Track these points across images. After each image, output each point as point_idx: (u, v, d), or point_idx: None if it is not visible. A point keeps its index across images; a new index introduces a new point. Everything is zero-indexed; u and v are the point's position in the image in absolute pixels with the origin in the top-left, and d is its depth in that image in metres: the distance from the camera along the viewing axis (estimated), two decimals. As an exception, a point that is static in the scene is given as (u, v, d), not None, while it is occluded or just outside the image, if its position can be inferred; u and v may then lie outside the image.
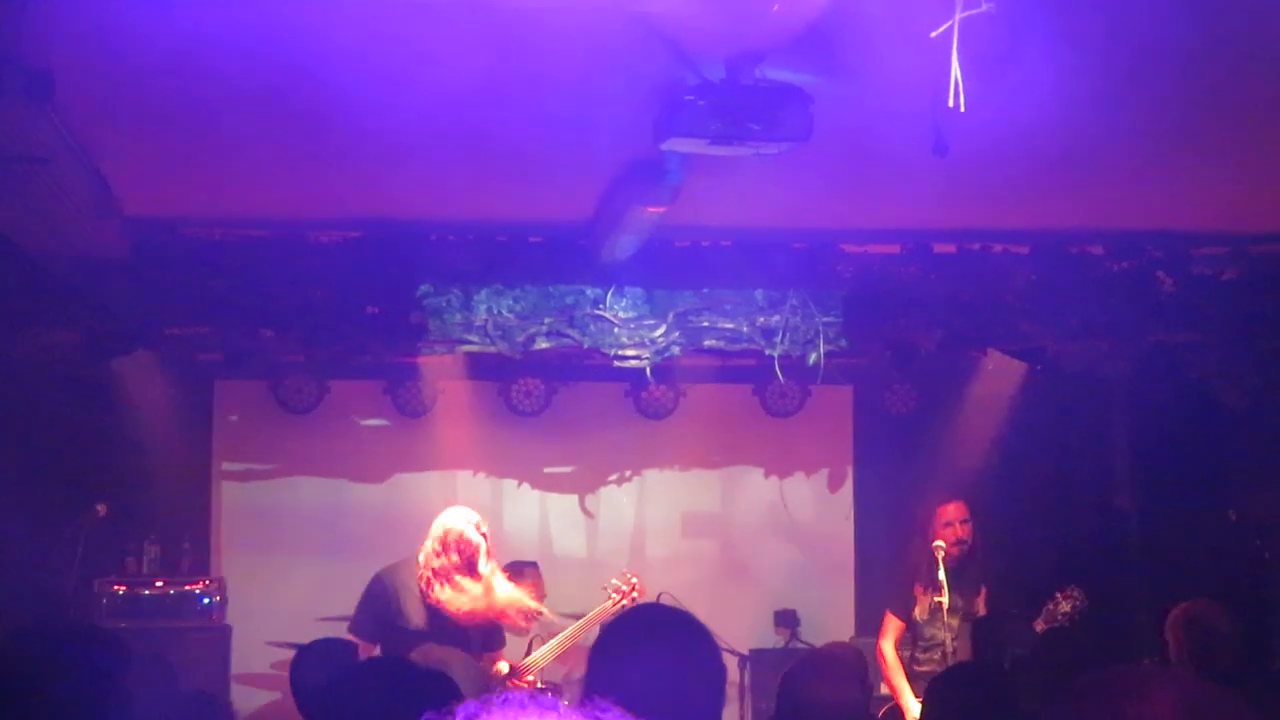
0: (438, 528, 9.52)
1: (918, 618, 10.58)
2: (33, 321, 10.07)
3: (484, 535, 9.51)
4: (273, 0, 5.85)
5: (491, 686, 9.20)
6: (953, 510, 10.54)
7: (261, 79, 6.63)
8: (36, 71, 6.21)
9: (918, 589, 10.60)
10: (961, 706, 6.29)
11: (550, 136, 7.72)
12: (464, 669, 8.92)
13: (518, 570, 11.48)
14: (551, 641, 10.48)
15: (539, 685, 10.07)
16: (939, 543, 10.28)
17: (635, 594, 10.59)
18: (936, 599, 10.16)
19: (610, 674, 4.10)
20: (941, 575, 10.11)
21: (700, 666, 4.13)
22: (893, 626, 10.68)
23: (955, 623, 10.14)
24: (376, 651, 9.29)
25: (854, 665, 7.26)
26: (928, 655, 10.34)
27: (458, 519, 9.52)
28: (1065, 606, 10.37)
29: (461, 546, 9.39)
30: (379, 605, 9.48)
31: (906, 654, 10.55)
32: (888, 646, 10.57)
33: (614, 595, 10.65)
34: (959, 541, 10.38)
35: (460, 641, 9.40)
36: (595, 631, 10.42)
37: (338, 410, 12.50)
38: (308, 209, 9.55)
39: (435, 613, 9.36)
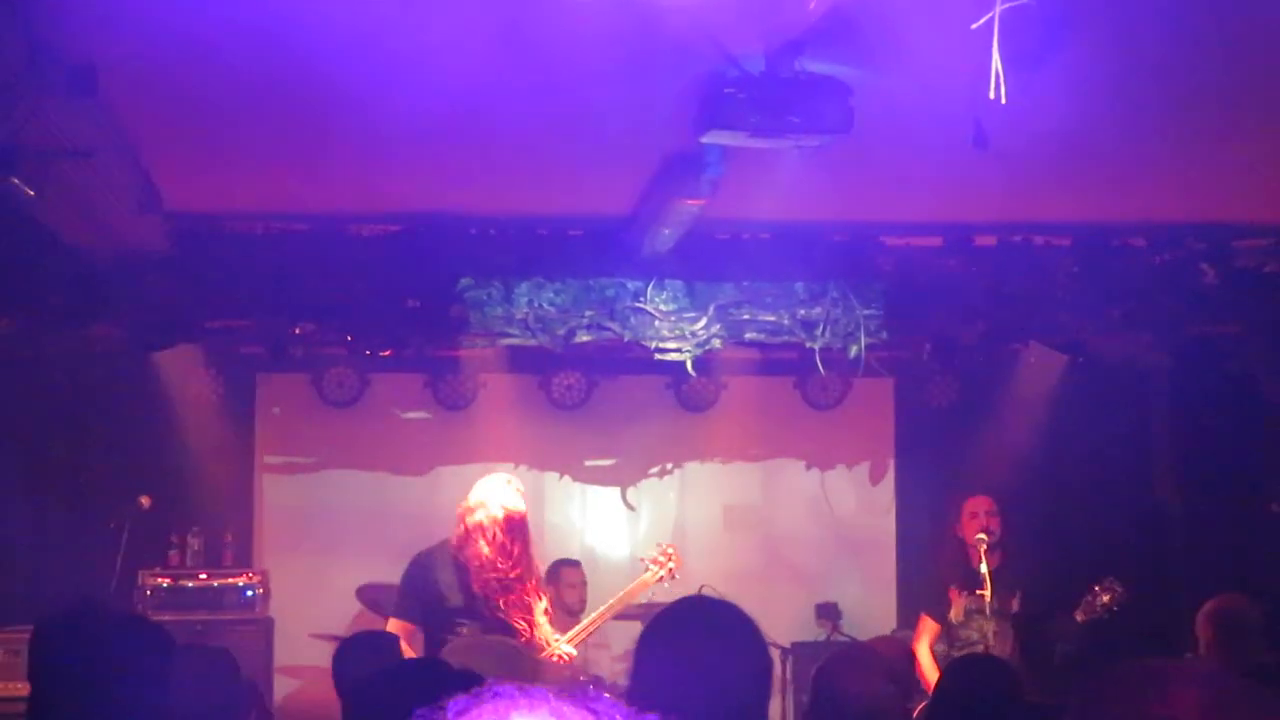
0: (474, 498, 9.32)
1: (953, 619, 10.56)
2: (76, 316, 10.13)
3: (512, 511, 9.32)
4: (314, -5, 5.88)
5: (526, 668, 9.09)
6: (979, 503, 10.52)
7: (303, 74, 6.65)
8: (80, 66, 6.25)
9: (952, 591, 10.59)
10: (966, 697, 6.30)
11: (590, 130, 7.73)
12: (499, 652, 8.79)
13: (554, 570, 11.48)
14: (592, 614, 10.39)
15: (581, 678, 10.00)
16: (980, 535, 10.27)
17: (673, 564, 10.48)
18: (979, 592, 10.15)
19: (657, 665, 4.11)
20: (984, 569, 10.09)
21: (747, 657, 4.13)
22: (928, 629, 10.67)
23: (993, 623, 10.12)
24: (419, 633, 9.23)
25: (894, 661, 7.26)
26: (963, 655, 10.30)
27: (492, 492, 9.31)
28: (1104, 598, 10.34)
29: (496, 514, 9.21)
30: (417, 585, 9.38)
31: (941, 650, 10.54)
32: (923, 650, 10.54)
33: (652, 567, 10.53)
34: (987, 533, 10.35)
35: (497, 615, 9.29)
36: (635, 612, 10.42)
37: (379, 403, 12.53)
38: (348, 203, 9.58)
39: (468, 587, 9.25)
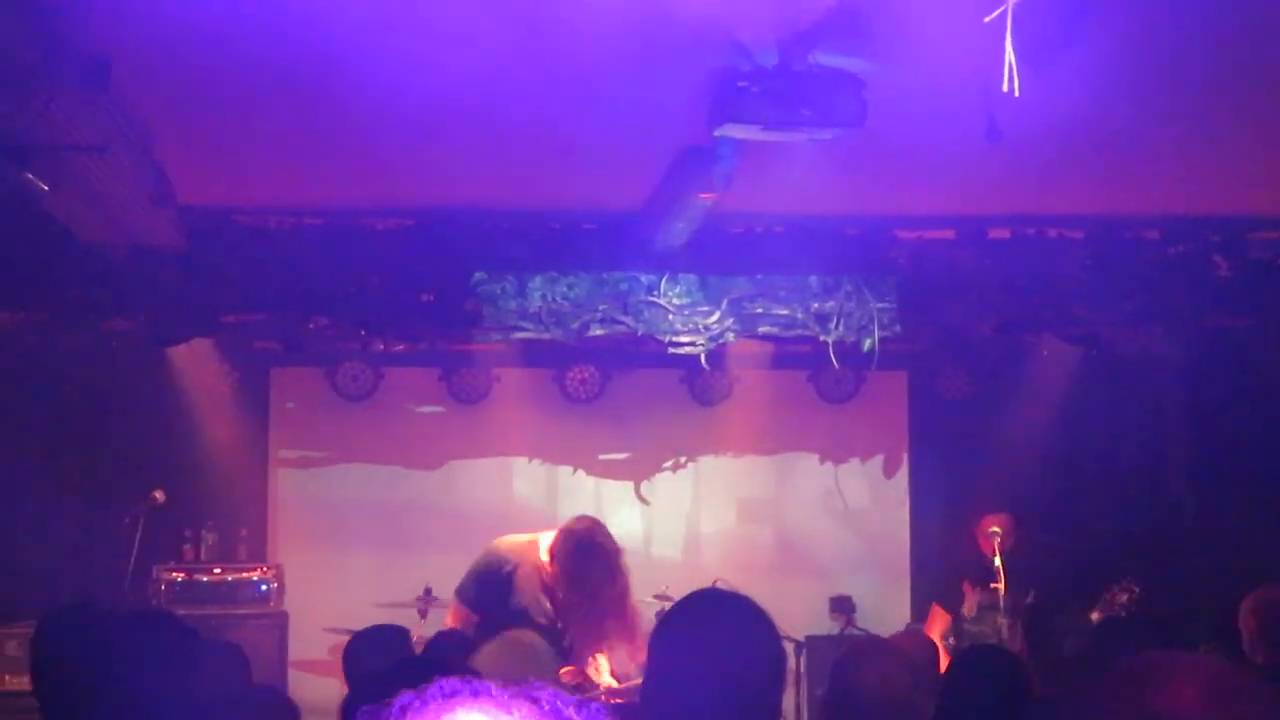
0: (572, 542, 9.19)
1: (965, 613, 10.58)
2: (91, 310, 10.16)
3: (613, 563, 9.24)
4: (327, -11, 5.89)
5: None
6: (996, 523, 10.51)
7: (316, 68, 6.65)
8: (94, 61, 6.26)
9: (966, 585, 10.60)
10: (979, 690, 6.31)
11: (604, 124, 7.73)
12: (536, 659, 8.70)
13: None
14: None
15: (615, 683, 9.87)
16: (994, 529, 10.28)
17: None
18: (993, 585, 10.16)
19: (671, 658, 4.12)
20: (998, 562, 10.10)
21: (760, 650, 4.14)
22: (940, 619, 10.70)
23: (1006, 619, 10.13)
24: (474, 620, 9.22)
25: (918, 655, 7.27)
26: (972, 646, 10.31)
27: (589, 546, 9.17)
28: (1122, 598, 10.36)
29: (581, 572, 9.20)
30: (490, 578, 9.34)
31: (950, 646, 10.55)
32: (934, 638, 10.58)
33: None
34: (1001, 546, 10.34)
35: (558, 638, 9.24)
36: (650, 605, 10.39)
37: (393, 397, 12.55)
38: (362, 197, 9.59)
39: (543, 606, 9.24)
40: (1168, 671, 2.73)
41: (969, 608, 10.55)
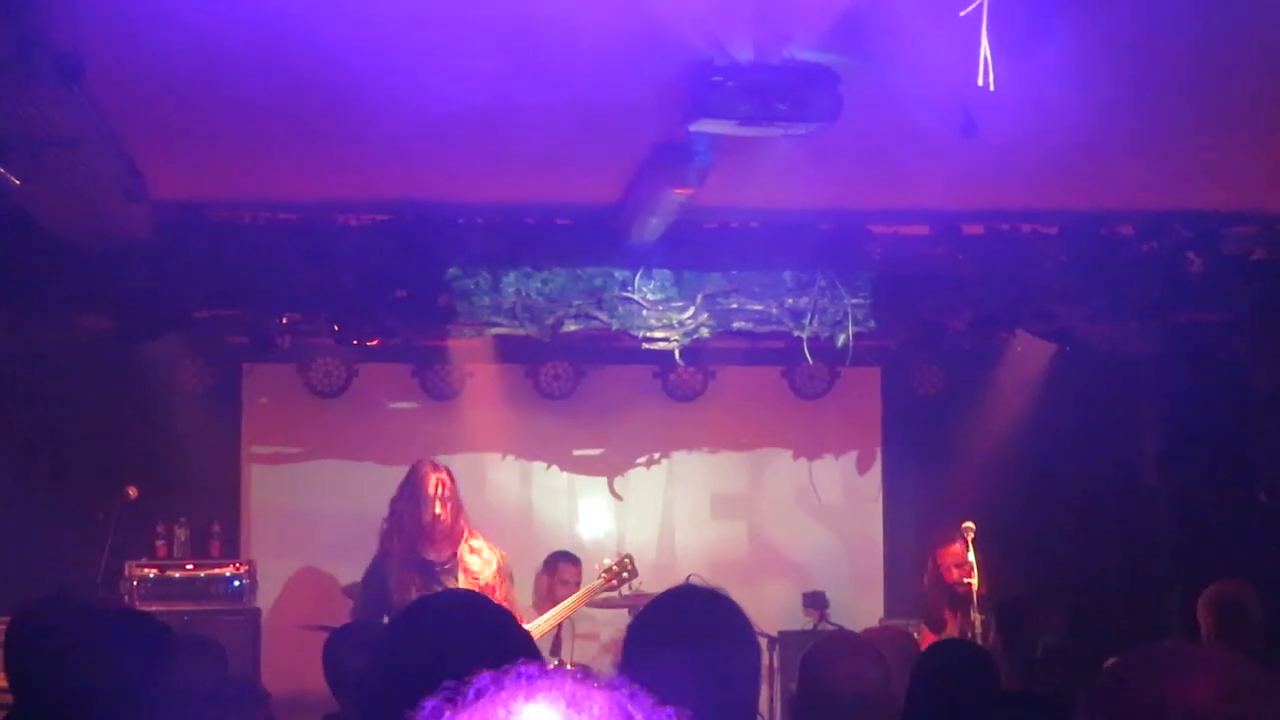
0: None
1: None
2: (62, 306, 10.11)
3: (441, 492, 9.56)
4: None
5: None
6: (954, 553, 10.47)
7: (289, 62, 6.65)
8: (66, 55, 6.23)
9: (945, 613, 10.60)
10: (943, 682, 6.32)
11: (578, 118, 7.72)
12: None
13: (552, 561, 11.48)
14: (548, 614, 10.34)
15: (568, 666, 9.96)
16: (968, 524, 10.27)
17: (626, 574, 10.39)
18: (966, 580, 10.15)
19: (646, 655, 4.10)
20: (971, 556, 10.10)
21: (736, 646, 4.13)
22: (929, 641, 10.71)
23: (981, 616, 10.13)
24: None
25: (888, 648, 7.27)
26: (940, 640, 10.30)
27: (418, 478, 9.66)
28: None
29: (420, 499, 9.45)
30: (374, 583, 9.50)
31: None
32: None
33: (602, 575, 10.44)
34: (963, 581, 10.32)
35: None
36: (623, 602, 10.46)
37: (366, 393, 12.51)
38: (336, 192, 9.57)
39: (425, 575, 9.33)
40: (1182, 664, 2.74)
41: (951, 634, 10.51)
